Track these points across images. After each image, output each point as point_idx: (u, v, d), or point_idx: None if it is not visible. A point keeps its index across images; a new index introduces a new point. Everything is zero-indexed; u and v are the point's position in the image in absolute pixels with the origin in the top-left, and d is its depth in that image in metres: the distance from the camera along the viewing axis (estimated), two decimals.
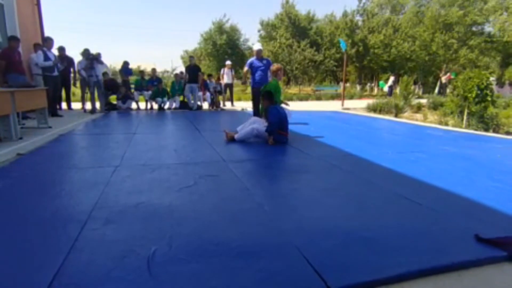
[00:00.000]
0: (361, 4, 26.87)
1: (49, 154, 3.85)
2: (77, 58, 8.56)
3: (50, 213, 2.07)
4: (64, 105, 8.89)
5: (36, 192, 2.49)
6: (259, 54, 6.24)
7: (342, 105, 12.32)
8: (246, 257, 1.58)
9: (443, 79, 21.31)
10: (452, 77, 19.48)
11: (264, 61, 6.26)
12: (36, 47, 7.17)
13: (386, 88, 18.92)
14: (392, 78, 17.93)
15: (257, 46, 6.43)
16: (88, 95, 8.52)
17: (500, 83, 25.26)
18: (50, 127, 5.36)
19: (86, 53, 8.11)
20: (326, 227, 1.93)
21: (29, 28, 7.77)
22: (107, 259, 1.53)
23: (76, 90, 10.73)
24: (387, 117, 9.53)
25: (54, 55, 7.15)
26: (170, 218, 2.02)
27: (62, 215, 2.06)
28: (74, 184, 2.72)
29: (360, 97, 19.47)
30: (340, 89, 20.21)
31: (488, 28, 24.93)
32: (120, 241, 1.71)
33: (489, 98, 8.68)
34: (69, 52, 8.61)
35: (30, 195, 2.41)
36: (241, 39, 29.68)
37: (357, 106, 12.65)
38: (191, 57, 10.26)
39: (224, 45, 27.93)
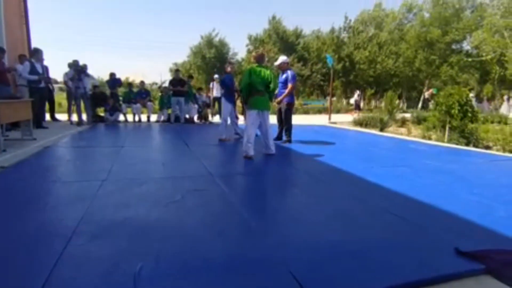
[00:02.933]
0: (347, 21, 27.84)
1: (34, 167, 3.77)
2: (64, 69, 8.49)
3: (34, 228, 2.03)
4: (47, 116, 8.72)
5: (20, 206, 2.43)
6: (281, 68, 5.74)
7: (329, 119, 12.56)
8: (232, 273, 1.59)
9: (426, 94, 22.14)
10: (434, 92, 20.20)
11: (284, 75, 5.65)
12: (22, 58, 7.08)
13: (352, 101, 19.62)
14: (357, 93, 18.74)
15: (278, 60, 5.80)
16: (74, 107, 8.41)
17: (479, 98, 26.27)
18: (34, 139, 5.26)
19: (74, 64, 8.06)
20: (312, 242, 1.96)
21: (16, 38, 7.70)
22: (93, 276, 1.51)
23: (62, 101, 10.57)
24: (372, 131, 9.74)
25: (42, 68, 7.07)
26: (157, 233, 2.01)
27: (46, 230, 2.02)
28: (59, 198, 2.67)
29: (347, 111, 19.88)
30: (327, 103, 20.60)
31: (466, 47, 26.16)
32: (106, 257, 1.69)
33: (469, 114, 8.99)
34: (56, 64, 8.55)
35: (13, 209, 2.35)
36: (230, 53, 30.02)
37: (344, 120, 12.91)
38: (176, 70, 10.18)
39: (213, 59, 28.19)
